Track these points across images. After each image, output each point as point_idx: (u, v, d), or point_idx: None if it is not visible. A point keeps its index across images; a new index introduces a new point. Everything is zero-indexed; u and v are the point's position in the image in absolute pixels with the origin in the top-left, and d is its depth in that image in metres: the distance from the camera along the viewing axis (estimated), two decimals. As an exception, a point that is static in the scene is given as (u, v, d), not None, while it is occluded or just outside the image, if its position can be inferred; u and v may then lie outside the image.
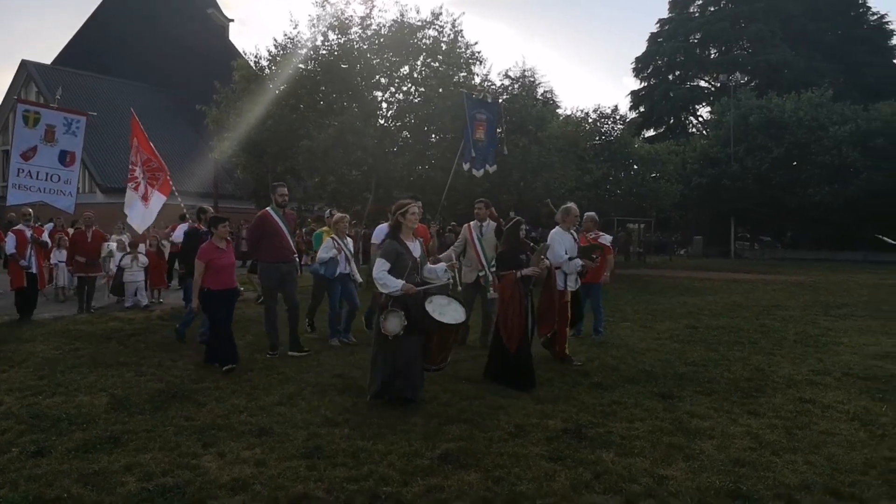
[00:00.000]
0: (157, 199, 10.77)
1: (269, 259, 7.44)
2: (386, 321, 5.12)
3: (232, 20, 44.39)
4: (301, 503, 3.51)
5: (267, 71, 20.22)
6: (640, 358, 7.50)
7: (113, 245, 12.07)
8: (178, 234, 10.61)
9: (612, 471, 3.99)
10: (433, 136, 20.89)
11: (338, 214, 8.55)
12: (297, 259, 7.83)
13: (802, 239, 40.02)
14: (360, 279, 8.43)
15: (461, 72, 20.27)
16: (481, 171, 11.29)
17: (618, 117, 30.17)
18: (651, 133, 51.53)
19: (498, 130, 13.64)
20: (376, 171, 19.08)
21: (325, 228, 8.91)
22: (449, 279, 5.70)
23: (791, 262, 32.34)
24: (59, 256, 12.56)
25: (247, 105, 19.47)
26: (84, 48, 37.47)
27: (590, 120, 29.18)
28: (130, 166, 11.15)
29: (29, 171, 10.50)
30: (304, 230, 19.31)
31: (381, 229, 8.21)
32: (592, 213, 9.22)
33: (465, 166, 11.11)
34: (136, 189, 10.87)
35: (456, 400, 5.61)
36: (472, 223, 8.04)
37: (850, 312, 11.96)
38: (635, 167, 30.94)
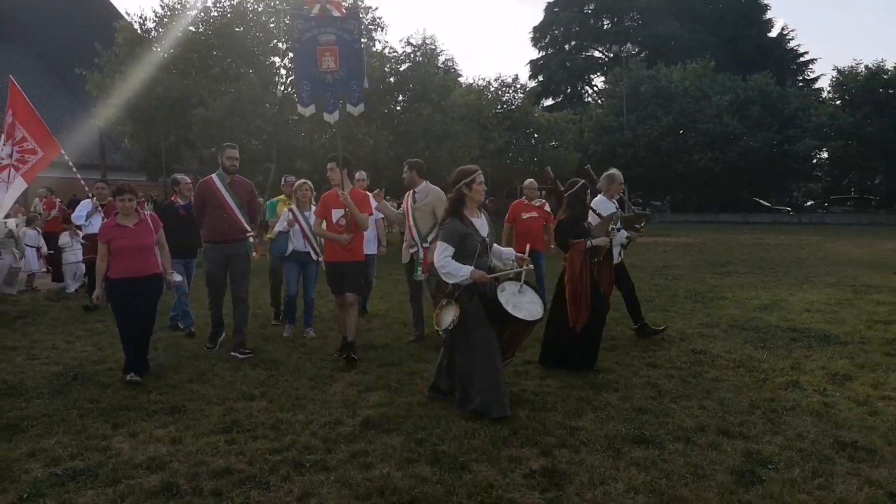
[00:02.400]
0: (18, 185, 8.98)
1: (210, 237, 6.25)
2: (443, 313, 4.49)
3: (110, -23, 41.07)
4: (224, 476, 3.46)
5: (154, 34, 18.98)
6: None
7: (12, 222, 9.99)
8: (80, 212, 9.11)
9: (528, 425, 4.19)
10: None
11: (299, 181, 7.29)
12: (251, 239, 6.50)
13: (688, 203, 42.65)
14: (317, 257, 7.07)
15: (362, 38, 19.86)
16: (335, 115, 7.93)
17: (518, 86, 30.83)
18: (550, 102, 52.92)
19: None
20: (277, 139, 18.51)
21: (281, 197, 7.87)
22: (522, 267, 4.77)
23: (678, 224, 34.40)
24: None
25: (132, 70, 18.23)
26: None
27: (491, 89, 29.61)
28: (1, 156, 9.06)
29: None
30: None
31: None
32: (532, 180, 8.92)
33: (305, 110, 7.98)
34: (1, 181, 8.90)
35: (372, 368, 5.66)
36: (410, 191, 6.79)
37: (732, 270, 12.95)
38: (535, 136, 31.79)
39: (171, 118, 18.48)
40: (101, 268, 5.44)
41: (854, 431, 4.07)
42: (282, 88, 19.81)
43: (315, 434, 4.08)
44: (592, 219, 6.06)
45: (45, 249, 11.70)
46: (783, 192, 44.81)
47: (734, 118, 35.73)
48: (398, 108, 22.63)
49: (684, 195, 42.93)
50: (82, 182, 9.19)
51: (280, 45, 19.23)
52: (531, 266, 4.75)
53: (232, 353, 6.10)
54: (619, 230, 6.05)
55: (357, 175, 7.52)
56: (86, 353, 6.28)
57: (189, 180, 7.58)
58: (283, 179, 8.27)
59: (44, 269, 11.99)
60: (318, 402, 4.72)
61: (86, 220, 9.00)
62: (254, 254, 6.70)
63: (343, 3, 7.49)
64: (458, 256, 4.41)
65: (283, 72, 19.98)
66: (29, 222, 10.77)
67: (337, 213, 5.95)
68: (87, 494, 3.27)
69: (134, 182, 6.10)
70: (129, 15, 20.14)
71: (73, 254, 10.49)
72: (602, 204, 6.42)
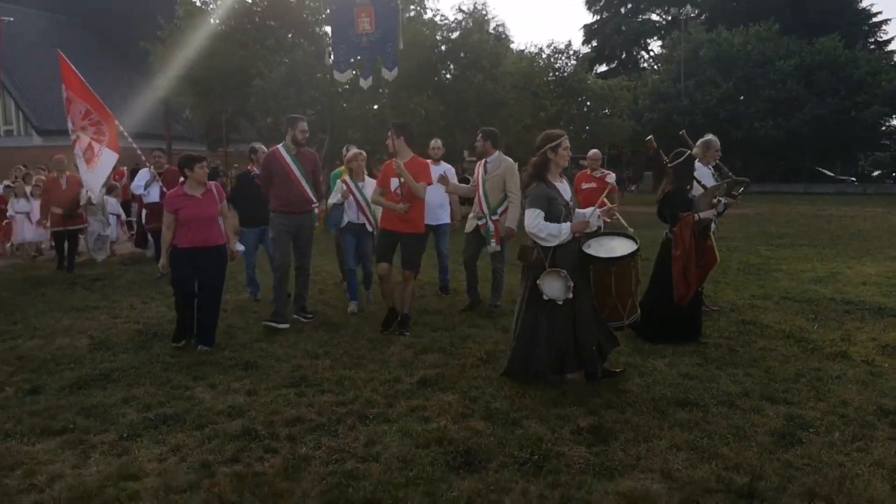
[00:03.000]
0: (108, 157, 9.00)
1: (277, 207, 6.28)
2: (545, 284, 4.31)
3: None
4: (296, 424, 3.81)
5: (212, 6, 19.47)
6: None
7: (93, 193, 9.78)
8: (139, 182, 9.30)
9: (578, 388, 4.40)
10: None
11: (353, 151, 7.05)
12: (315, 210, 6.54)
13: (748, 172, 41.31)
14: (371, 229, 6.87)
15: (413, 4, 19.91)
16: (369, 80, 7.78)
17: (571, 53, 30.19)
18: (604, 68, 51.69)
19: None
20: (331, 110, 18.84)
21: (343, 168, 7.54)
22: (600, 225, 4.73)
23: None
24: (17, 206, 10.84)
25: (192, 42, 18.78)
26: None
27: (544, 56, 29.16)
28: (71, 131, 9.17)
29: None
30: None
31: None
32: (596, 150, 8.89)
33: (342, 76, 8.01)
34: (87, 159, 8.99)
35: (427, 332, 5.94)
36: (482, 161, 6.68)
37: (790, 242, 12.72)
38: (588, 104, 31.27)
39: (230, 89, 19.01)
40: (167, 237, 5.46)
41: (899, 400, 4.14)
42: (333, 58, 20.08)
43: (376, 390, 4.40)
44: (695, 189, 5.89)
45: (124, 217, 12.40)
46: (849, 162, 43.00)
47: (799, 84, 34.27)
48: (449, 76, 22.61)
49: (744, 164, 41.65)
50: (139, 151, 9.25)
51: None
52: (631, 230, 4.70)
53: (295, 316, 6.34)
54: (724, 202, 5.87)
55: (432, 143, 7.56)
56: (161, 314, 6.76)
57: (265, 149, 7.51)
58: (344, 149, 7.86)
59: (125, 237, 12.71)
60: (378, 362, 5.03)
61: (144, 190, 9.23)
62: (316, 224, 6.74)
63: None
64: (547, 219, 4.37)
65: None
66: (109, 191, 11.27)
67: (394, 183, 5.83)
68: (177, 436, 3.67)
69: (195, 152, 6.07)
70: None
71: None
72: (700, 171, 6.21)
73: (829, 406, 4.06)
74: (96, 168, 8.99)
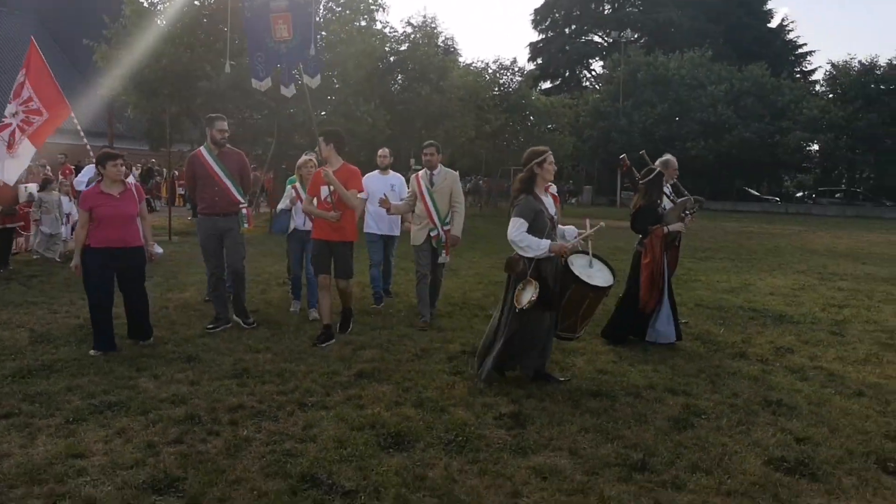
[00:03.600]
0: (27, 149, 8.97)
1: (202, 210, 6.20)
2: (523, 291, 4.54)
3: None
4: (238, 411, 4.05)
5: (160, 7, 19.28)
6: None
7: (33, 187, 9.76)
8: (82, 178, 9.17)
9: (502, 381, 4.79)
10: (335, 81, 20.83)
11: (303, 157, 6.97)
12: (243, 211, 6.35)
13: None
14: None
15: (362, 18, 20.23)
16: (291, 88, 7.67)
17: (516, 69, 31.11)
18: (548, 85, 53.16)
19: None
20: (277, 114, 18.91)
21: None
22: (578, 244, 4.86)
23: (669, 211, 35.00)
24: None
25: (138, 42, 18.55)
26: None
27: (490, 71, 29.92)
28: (9, 116, 9.06)
29: None
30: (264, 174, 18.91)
31: (372, 178, 7.30)
32: None
33: (260, 84, 7.81)
34: (9, 145, 8.90)
35: (366, 330, 6.24)
36: (420, 172, 6.77)
37: (710, 255, 13.57)
38: (532, 119, 32.18)
39: (175, 90, 18.82)
40: (80, 235, 5.31)
41: (782, 393, 4.69)
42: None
43: (315, 381, 4.68)
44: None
45: (74, 216, 12.06)
46: (776, 183, 45.48)
47: (728, 108, 36.23)
48: (397, 87, 22.99)
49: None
50: (88, 148, 9.16)
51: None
52: (603, 224, 4.87)
53: (234, 318, 6.30)
54: (692, 214, 6.23)
55: (380, 152, 7.65)
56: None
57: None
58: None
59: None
60: (318, 357, 5.31)
61: (87, 186, 8.74)
62: (246, 225, 6.52)
63: None
64: (530, 232, 4.53)
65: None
66: (43, 186, 10.99)
67: (324, 191, 5.79)
68: (122, 420, 3.86)
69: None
70: (135, -15, 20.19)
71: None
72: None
73: (722, 397, 4.57)
74: (15, 154, 8.87)
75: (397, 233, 7.58)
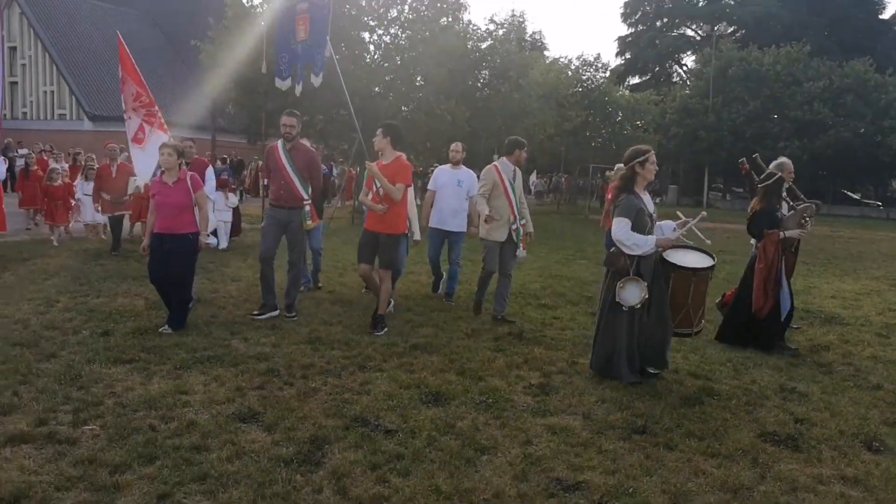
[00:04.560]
0: (159, 139, 8.96)
1: (270, 201, 6.58)
2: (624, 289, 4.66)
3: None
4: (309, 368, 4.86)
5: (259, 10, 20.76)
6: (586, 287, 8.90)
7: (140, 182, 9.86)
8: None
9: (539, 358, 5.39)
10: (419, 79, 21.72)
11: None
12: (307, 208, 6.55)
13: (771, 191, 41.62)
14: (417, 237, 7.22)
15: (447, 17, 20.99)
16: (300, 86, 7.77)
17: (600, 65, 31.06)
18: (636, 80, 52.32)
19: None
20: (364, 111, 20.00)
21: None
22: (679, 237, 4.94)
23: (757, 212, 33.93)
24: (84, 188, 11.33)
25: (239, 42, 20.09)
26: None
27: (572, 67, 30.06)
28: (125, 114, 9.58)
29: None
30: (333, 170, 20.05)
31: (442, 172, 7.55)
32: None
33: (283, 84, 7.87)
34: (139, 140, 9.40)
35: (426, 311, 6.96)
36: (498, 164, 6.68)
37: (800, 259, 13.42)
38: (619, 114, 31.99)
39: (271, 88, 20.27)
40: (149, 220, 5.82)
41: (801, 382, 5.05)
42: (368, 61, 21.26)
43: (376, 350, 5.44)
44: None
45: None
46: (882, 186, 42.97)
47: (826, 106, 34.62)
48: (478, 83, 23.63)
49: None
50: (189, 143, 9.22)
51: (370, 21, 20.62)
52: (705, 213, 5.10)
53: (284, 314, 6.42)
54: (811, 220, 6.14)
55: (452, 146, 7.72)
56: (203, 285, 7.87)
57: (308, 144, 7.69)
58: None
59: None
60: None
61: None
62: (309, 222, 6.66)
63: None
64: (633, 229, 4.62)
65: (371, 47, 21.41)
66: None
67: (377, 183, 5.93)
68: (217, 370, 4.74)
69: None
70: (237, -12, 21.81)
71: (220, 213, 10.67)
72: None
73: (741, 383, 4.98)
74: (147, 147, 9.18)
75: (460, 229, 7.50)
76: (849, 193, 38.77)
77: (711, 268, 4.92)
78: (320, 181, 6.82)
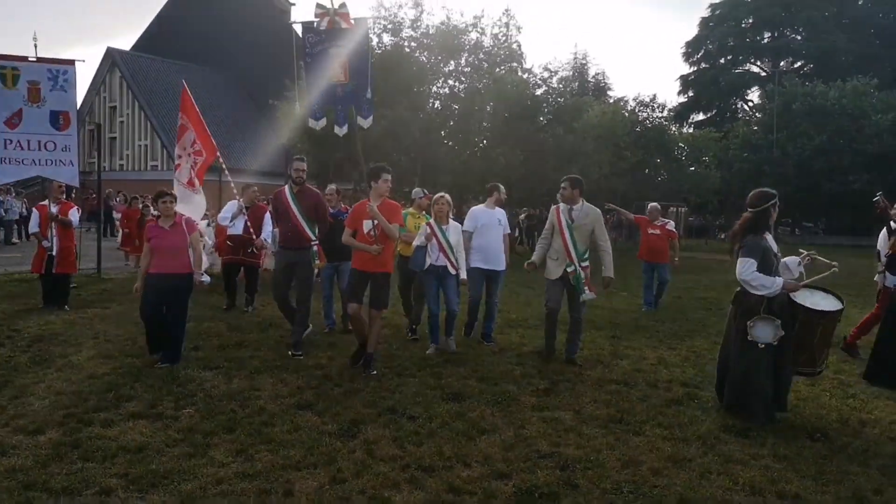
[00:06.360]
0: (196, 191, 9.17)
1: (279, 243, 6.93)
2: (755, 328, 4.71)
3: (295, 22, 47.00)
4: (356, 376, 5.94)
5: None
6: (616, 316, 9.72)
7: (195, 217, 9.05)
8: (225, 214, 9.43)
9: (553, 369, 6.28)
10: (477, 127, 23.11)
11: (436, 195, 7.12)
12: (314, 248, 6.86)
13: (840, 225, 40.61)
14: (464, 275, 7.03)
15: (502, 68, 22.41)
16: (344, 128, 7.96)
17: (656, 105, 31.66)
18: (700, 117, 52.30)
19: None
20: (423, 156, 21.48)
21: (411, 210, 7.81)
22: (801, 272, 5.10)
23: (830, 247, 33.22)
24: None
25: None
26: (159, 36, 40.78)
27: (628, 108, 30.80)
28: (176, 158, 9.50)
29: (18, 142, 9.20)
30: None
31: (482, 212, 7.57)
32: (655, 204, 10.83)
33: (316, 123, 8.19)
34: (188, 184, 9.26)
35: (459, 335, 7.91)
36: (560, 205, 6.63)
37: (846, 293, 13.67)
38: (682, 156, 32.32)
39: (339, 139, 22.10)
40: (143, 263, 6.11)
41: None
42: (429, 110, 22.85)
43: (412, 362, 6.46)
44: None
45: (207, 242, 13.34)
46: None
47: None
48: (532, 127, 24.81)
49: (836, 217, 40.91)
50: (232, 185, 9.78)
51: (429, 76, 22.26)
52: (836, 267, 5.00)
53: (289, 352, 6.61)
54: None
55: (499, 188, 7.86)
56: (270, 315, 9.13)
57: (335, 189, 8.25)
58: (415, 191, 8.15)
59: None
60: (417, 347, 7.08)
61: (230, 221, 9.36)
62: (317, 261, 6.96)
63: (351, 16, 7.69)
64: (759, 270, 4.68)
65: (430, 99, 23.00)
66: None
67: (367, 225, 6.01)
68: (283, 375, 5.88)
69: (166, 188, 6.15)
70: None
71: None
72: None
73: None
74: (197, 191, 9.17)
75: (503, 267, 7.55)
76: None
77: (840, 311, 4.96)
78: (327, 222, 7.01)
